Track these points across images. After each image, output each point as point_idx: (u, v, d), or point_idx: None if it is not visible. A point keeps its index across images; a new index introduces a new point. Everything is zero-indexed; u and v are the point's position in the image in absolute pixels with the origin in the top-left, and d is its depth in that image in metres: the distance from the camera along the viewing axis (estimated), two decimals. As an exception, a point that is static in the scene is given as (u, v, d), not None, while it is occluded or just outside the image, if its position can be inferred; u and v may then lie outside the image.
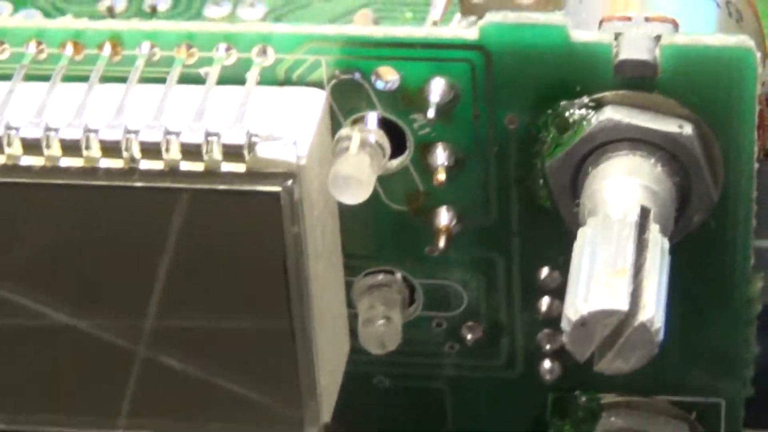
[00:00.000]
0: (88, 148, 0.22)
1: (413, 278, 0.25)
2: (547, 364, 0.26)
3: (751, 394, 0.27)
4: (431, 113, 0.23)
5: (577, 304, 0.21)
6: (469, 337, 0.26)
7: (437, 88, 0.23)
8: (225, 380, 0.25)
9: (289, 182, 0.22)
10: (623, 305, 0.20)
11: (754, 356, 0.26)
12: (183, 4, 0.26)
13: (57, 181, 0.23)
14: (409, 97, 0.23)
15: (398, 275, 0.25)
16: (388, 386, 0.26)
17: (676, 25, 0.23)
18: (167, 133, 0.21)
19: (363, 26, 0.24)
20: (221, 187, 0.22)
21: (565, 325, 0.21)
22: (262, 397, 0.25)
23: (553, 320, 0.26)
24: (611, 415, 0.26)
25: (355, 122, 0.23)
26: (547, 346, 0.26)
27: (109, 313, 0.24)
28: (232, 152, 0.21)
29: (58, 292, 0.24)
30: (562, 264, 0.25)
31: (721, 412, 0.27)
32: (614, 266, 0.21)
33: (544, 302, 0.25)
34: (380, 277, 0.25)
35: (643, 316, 0.21)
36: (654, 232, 0.22)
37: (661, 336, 0.21)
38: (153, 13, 0.26)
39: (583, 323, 0.21)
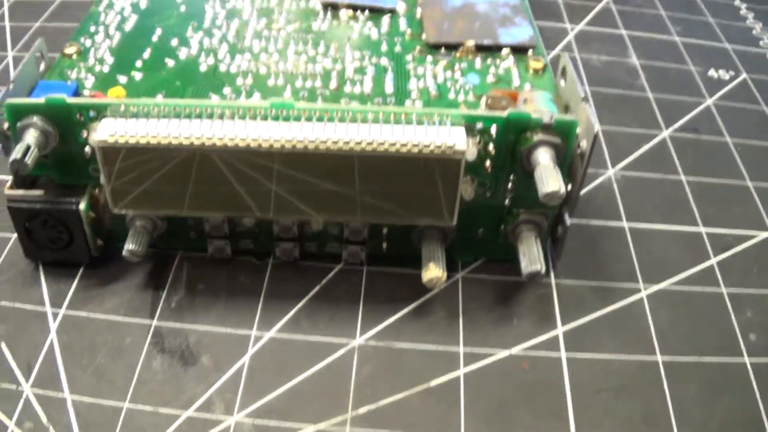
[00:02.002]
0: (381, 144, 0.27)
1: (476, 177, 0.29)
2: (507, 201, 0.30)
3: (556, 213, 0.31)
4: (493, 133, 0.28)
5: (544, 189, 0.26)
6: (488, 195, 0.30)
7: (494, 128, 0.28)
8: (417, 210, 0.29)
9: (461, 155, 0.27)
10: (559, 188, 0.26)
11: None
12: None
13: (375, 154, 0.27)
14: (485, 130, 0.28)
15: (470, 176, 0.29)
16: (464, 206, 0.29)
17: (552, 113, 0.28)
18: (426, 144, 0.27)
19: (474, 111, 0.28)
20: (445, 157, 0.27)
21: (540, 194, 0.27)
22: (438, 214, 0.28)
23: (513, 194, 0.30)
24: (522, 214, 0.30)
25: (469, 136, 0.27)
26: (507, 198, 0.30)
27: (372, 193, 0.28)
28: (445, 148, 0.26)
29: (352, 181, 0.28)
30: (522, 178, 0.29)
31: (551, 215, 0.30)
32: (554, 176, 0.27)
33: (510, 188, 0.29)
34: (467, 177, 0.29)
35: (563, 191, 0.26)
36: (557, 168, 0.27)
37: (563, 196, 0.27)
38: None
39: (545, 194, 0.26)
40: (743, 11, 0.56)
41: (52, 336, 0.30)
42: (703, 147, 0.42)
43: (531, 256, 0.30)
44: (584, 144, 0.29)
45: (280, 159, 0.28)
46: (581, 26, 0.51)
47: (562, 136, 0.29)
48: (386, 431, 0.28)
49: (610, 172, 0.39)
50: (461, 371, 0.30)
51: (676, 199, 0.38)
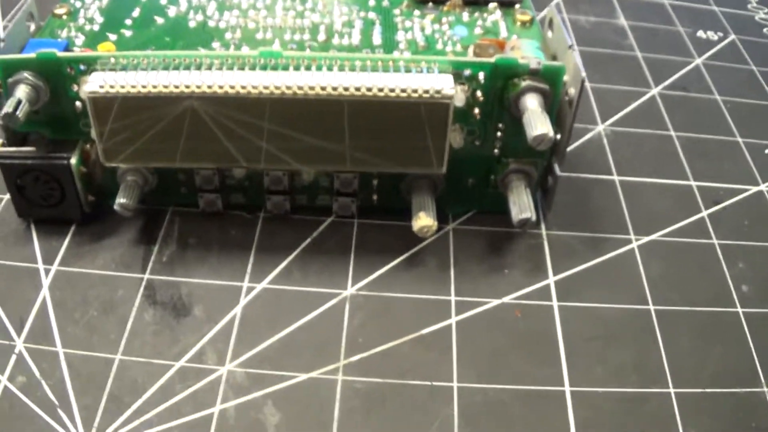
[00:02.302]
0: (369, 90, 0.27)
1: (465, 126, 0.30)
2: (496, 151, 0.31)
3: (545, 164, 0.32)
4: (481, 80, 0.29)
5: (533, 132, 0.27)
6: (476, 143, 0.30)
7: (481, 75, 0.28)
8: (407, 158, 0.29)
9: (449, 100, 0.27)
10: (548, 131, 0.27)
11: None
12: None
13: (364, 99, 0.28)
14: (473, 77, 0.28)
15: (459, 125, 0.29)
16: (453, 156, 0.30)
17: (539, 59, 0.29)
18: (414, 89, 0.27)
19: (462, 58, 0.29)
20: (433, 102, 0.27)
21: (529, 138, 0.27)
22: (428, 161, 0.29)
23: (502, 142, 0.31)
24: (512, 164, 0.31)
25: (457, 83, 0.28)
26: (497, 147, 0.30)
27: (362, 141, 0.29)
28: (433, 93, 0.27)
29: (341, 136, 0.28)
30: (510, 126, 0.30)
31: (540, 165, 0.31)
32: (542, 120, 0.27)
33: (499, 136, 0.30)
34: (456, 125, 0.29)
35: (551, 134, 0.27)
36: (545, 113, 0.28)
37: (552, 140, 0.27)
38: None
39: (534, 136, 0.27)
40: (732, -24, 0.56)
41: (45, 292, 0.30)
42: (693, 104, 0.42)
43: (521, 204, 0.31)
44: (572, 91, 0.30)
45: (269, 107, 0.28)
46: (570, -11, 0.52)
47: (550, 82, 0.29)
48: (378, 379, 0.28)
49: (600, 127, 0.40)
50: (453, 319, 0.30)
51: (666, 153, 0.39)
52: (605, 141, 0.39)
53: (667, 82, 0.43)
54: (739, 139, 0.40)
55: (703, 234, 0.35)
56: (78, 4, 0.34)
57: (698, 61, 0.45)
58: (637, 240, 0.34)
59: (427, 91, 0.28)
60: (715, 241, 0.34)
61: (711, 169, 0.38)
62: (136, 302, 0.30)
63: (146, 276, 0.31)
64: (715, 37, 0.48)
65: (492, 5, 0.35)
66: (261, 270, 0.31)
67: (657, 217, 0.35)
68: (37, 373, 0.27)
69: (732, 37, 0.48)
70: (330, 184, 0.32)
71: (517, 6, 0.35)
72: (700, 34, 0.48)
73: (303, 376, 0.28)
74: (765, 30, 0.50)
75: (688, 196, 0.37)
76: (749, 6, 0.52)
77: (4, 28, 0.44)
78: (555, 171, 0.32)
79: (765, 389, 0.29)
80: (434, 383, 0.28)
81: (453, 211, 0.34)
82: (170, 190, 0.33)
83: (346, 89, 0.28)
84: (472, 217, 0.34)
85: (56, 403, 0.27)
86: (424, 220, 0.31)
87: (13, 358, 0.28)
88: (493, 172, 0.32)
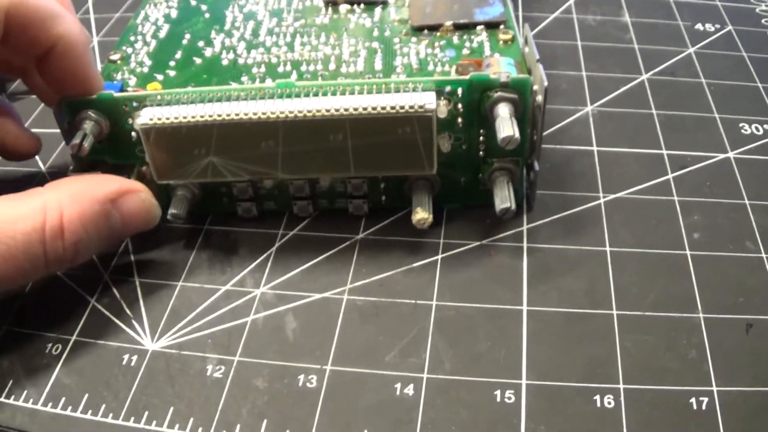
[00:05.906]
0: (365, 109, 0.34)
1: (452, 133, 0.36)
2: (481, 153, 0.37)
3: (526, 161, 0.38)
4: (460, 94, 0.35)
5: (500, 134, 0.33)
6: (464, 147, 0.37)
7: (460, 90, 0.35)
8: (404, 162, 0.36)
9: (431, 113, 0.34)
10: (513, 133, 0.33)
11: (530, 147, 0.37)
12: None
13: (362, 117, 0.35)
14: (453, 92, 0.35)
15: (447, 133, 0.36)
16: (445, 159, 0.36)
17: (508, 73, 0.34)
18: (401, 106, 0.35)
19: (443, 77, 0.35)
20: (418, 115, 0.34)
21: (498, 139, 0.34)
22: (421, 164, 0.36)
23: (485, 145, 0.37)
24: (495, 163, 0.37)
25: (441, 98, 0.34)
26: (481, 150, 0.37)
27: (365, 150, 0.36)
28: (417, 108, 0.33)
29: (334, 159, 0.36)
30: (490, 131, 0.36)
31: (521, 162, 0.38)
32: (509, 124, 0.34)
33: (482, 140, 0.36)
34: (445, 133, 0.36)
35: (516, 136, 0.33)
36: (513, 118, 0.34)
37: (518, 141, 0.33)
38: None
39: (501, 138, 0.33)
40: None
41: (127, 240, 0.41)
42: (678, 87, 0.48)
43: (502, 196, 0.38)
44: (539, 98, 0.37)
45: (286, 128, 0.36)
46: (582, -9, 0.59)
47: (519, 92, 0.36)
48: (374, 298, 0.37)
49: (588, 108, 0.47)
50: (439, 256, 0.38)
51: (645, 128, 0.45)
52: (591, 120, 0.45)
53: (657, 69, 0.50)
54: (716, 115, 0.46)
55: (666, 192, 0.41)
56: (129, 51, 0.43)
57: (691, 50, 0.52)
58: (604, 197, 0.41)
59: (412, 107, 0.35)
60: (676, 198, 0.41)
61: (683, 140, 0.44)
62: (196, 245, 0.40)
63: (205, 227, 0.41)
64: (713, 29, 0.54)
65: (479, 27, 0.43)
66: (293, 222, 0.41)
67: (626, 179, 0.41)
68: (118, 296, 0.38)
69: (729, 28, 0.54)
70: (345, 189, 0.40)
71: (501, 26, 0.43)
72: (699, 26, 0.54)
73: (317, 296, 0.37)
74: (764, 21, 0.56)
75: (658, 162, 0.42)
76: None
77: (99, 45, 0.55)
78: (534, 167, 0.39)
79: (700, 315, 0.34)
80: (417, 302, 0.36)
81: (449, 206, 0.41)
82: (214, 201, 0.41)
83: (346, 110, 0.35)
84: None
85: (131, 315, 0.37)
86: (420, 214, 0.38)
87: (101, 286, 0.38)
88: (481, 171, 0.39)
